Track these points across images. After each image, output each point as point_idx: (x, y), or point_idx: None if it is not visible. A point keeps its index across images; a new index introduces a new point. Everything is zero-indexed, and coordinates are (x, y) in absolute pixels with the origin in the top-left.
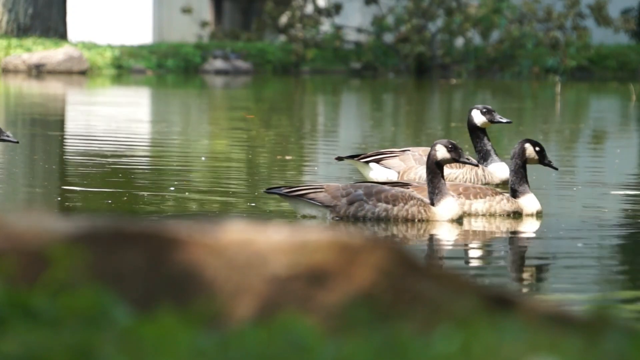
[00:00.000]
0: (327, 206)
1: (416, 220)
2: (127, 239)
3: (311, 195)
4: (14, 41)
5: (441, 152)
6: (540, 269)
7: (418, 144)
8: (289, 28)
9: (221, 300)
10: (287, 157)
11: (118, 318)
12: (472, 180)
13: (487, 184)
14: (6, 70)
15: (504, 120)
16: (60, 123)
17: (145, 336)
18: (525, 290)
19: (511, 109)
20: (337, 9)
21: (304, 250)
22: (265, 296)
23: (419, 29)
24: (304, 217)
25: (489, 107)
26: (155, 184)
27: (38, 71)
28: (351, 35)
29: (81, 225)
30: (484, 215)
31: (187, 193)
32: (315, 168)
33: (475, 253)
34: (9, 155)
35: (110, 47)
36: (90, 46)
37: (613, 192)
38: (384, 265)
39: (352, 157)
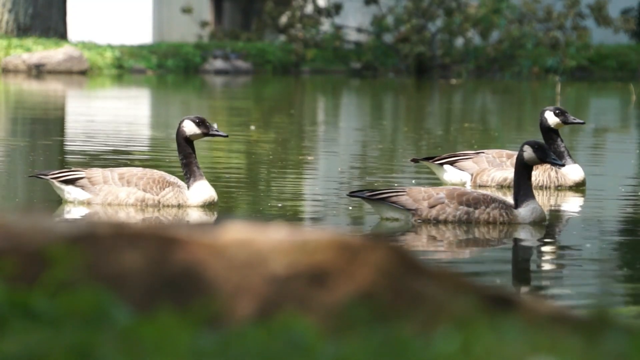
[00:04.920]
0: (409, 209)
1: (498, 223)
2: (127, 239)
3: (393, 199)
4: (14, 41)
5: (527, 153)
6: None
7: (431, 145)
8: (289, 28)
9: (221, 300)
10: (309, 158)
11: (118, 318)
12: (545, 183)
13: (559, 186)
14: (6, 70)
15: (577, 121)
16: (60, 123)
17: (145, 336)
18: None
19: (511, 109)
20: (337, 9)
21: (304, 250)
22: (265, 296)
23: (418, 29)
24: (387, 219)
25: (562, 108)
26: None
27: (38, 71)
28: (351, 35)
29: (81, 225)
30: None
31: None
32: (339, 169)
33: None
34: (9, 155)
35: (111, 47)
36: (90, 46)
37: None
38: (384, 265)
39: (427, 159)
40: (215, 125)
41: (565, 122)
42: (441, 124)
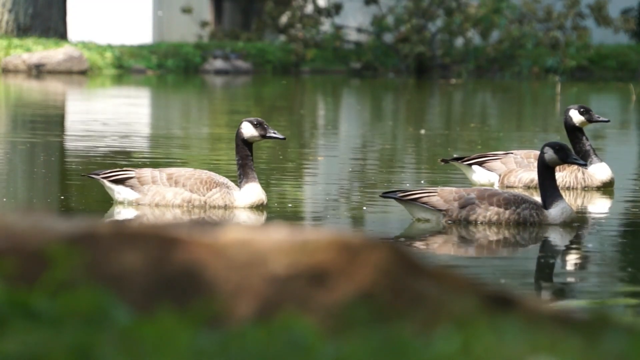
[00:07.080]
0: (439, 210)
1: (528, 223)
2: (127, 239)
3: (424, 199)
4: (14, 41)
5: (548, 154)
6: None
7: (438, 145)
8: (289, 28)
9: (221, 300)
10: (319, 158)
11: (118, 318)
12: (572, 183)
13: (586, 187)
14: (6, 70)
15: (602, 119)
16: (60, 123)
17: (145, 336)
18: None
19: (511, 109)
20: (337, 9)
21: (304, 250)
22: (265, 296)
23: (419, 29)
24: (418, 220)
25: (586, 106)
26: None
27: (38, 71)
28: (351, 35)
29: (81, 225)
30: None
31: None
32: (350, 169)
33: None
34: (9, 156)
35: (111, 47)
36: (90, 46)
37: None
38: (384, 265)
39: (456, 159)
40: (273, 130)
41: (590, 120)
42: (446, 124)
